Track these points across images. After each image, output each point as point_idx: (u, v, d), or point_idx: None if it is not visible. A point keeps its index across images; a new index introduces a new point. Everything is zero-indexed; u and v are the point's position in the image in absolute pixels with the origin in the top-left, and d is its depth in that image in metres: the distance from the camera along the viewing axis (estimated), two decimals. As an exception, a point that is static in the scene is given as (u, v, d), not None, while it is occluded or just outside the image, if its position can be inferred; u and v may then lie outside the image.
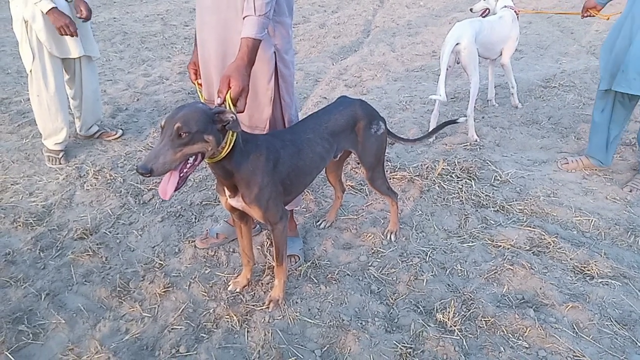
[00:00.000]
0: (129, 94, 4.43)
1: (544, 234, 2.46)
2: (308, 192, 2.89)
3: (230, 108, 1.65)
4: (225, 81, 1.66)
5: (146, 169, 1.44)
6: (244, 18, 1.69)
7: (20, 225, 2.58)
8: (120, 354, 1.84)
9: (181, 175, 1.57)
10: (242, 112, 1.71)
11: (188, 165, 1.58)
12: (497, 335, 1.91)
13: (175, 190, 1.55)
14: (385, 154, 2.44)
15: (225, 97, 1.66)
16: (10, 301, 2.08)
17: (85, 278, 2.24)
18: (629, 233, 2.49)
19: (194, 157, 1.57)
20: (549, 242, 2.39)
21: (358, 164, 2.24)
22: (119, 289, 2.16)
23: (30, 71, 3.00)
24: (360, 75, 5.03)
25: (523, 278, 2.19)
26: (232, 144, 1.65)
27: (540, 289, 2.12)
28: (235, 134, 1.66)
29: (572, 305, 2.02)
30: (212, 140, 1.55)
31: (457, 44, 3.29)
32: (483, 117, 3.93)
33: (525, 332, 1.90)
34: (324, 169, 2.42)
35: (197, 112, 1.53)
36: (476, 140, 3.50)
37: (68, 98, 3.31)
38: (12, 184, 3.00)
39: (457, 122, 2.64)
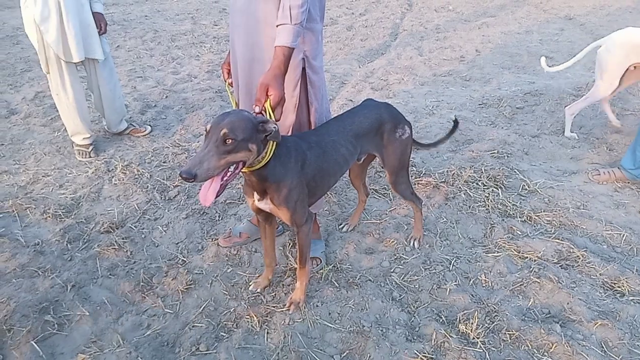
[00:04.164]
0: (158, 91, 4.50)
1: (572, 247, 2.39)
2: (331, 194, 2.88)
3: (270, 117, 1.65)
4: (263, 89, 1.65)
5: (190, 174, 1.42)
6: (277, 26, 1.67)
7: (49, 217, 2.64)
8: (142, 349, 1.86)
9: (222, 182, 1.55)
10: (279, 120, 1.71)
11: (229, 173, 1.56)
12: (522, 349, 1.86)
13: (216, 197, 1.54)
14: (411, 159, 2.40)
15: (264, 106, 1.65)
16: (37, 291, 2.13)
17: (110, 271, 2.27)
18: (663, 250, 2.40)
19: (235, 165, 1.56)
20: (577, 256, 2.32)
21: (382, 167, 2.22)
22: (142, 283, 2.19)
23: (48, 73, 3.05)
24: (387, 79, 4.99)
25: (550, 292, 2.13)
26: (271, 154, 1.65)
27: (568, 304, 2.06)
28: (275, 144, 1.66)
29: (601, 322, 1.95)
30: (255, 150, 1.55)
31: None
32: (510, 125, 3.85)
33: (551, 348, 1.85)
34: (348, 172, 2.41)
35: (243, 119, 1.52)
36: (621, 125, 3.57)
37: (93, 97, 3.39)
38: (43, 176, 3.08)
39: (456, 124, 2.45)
